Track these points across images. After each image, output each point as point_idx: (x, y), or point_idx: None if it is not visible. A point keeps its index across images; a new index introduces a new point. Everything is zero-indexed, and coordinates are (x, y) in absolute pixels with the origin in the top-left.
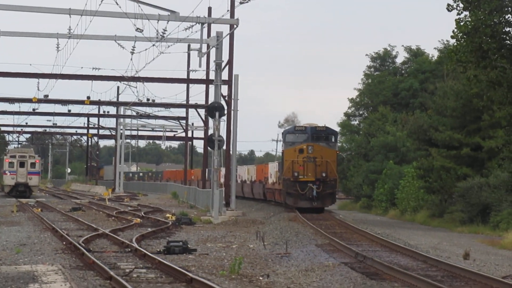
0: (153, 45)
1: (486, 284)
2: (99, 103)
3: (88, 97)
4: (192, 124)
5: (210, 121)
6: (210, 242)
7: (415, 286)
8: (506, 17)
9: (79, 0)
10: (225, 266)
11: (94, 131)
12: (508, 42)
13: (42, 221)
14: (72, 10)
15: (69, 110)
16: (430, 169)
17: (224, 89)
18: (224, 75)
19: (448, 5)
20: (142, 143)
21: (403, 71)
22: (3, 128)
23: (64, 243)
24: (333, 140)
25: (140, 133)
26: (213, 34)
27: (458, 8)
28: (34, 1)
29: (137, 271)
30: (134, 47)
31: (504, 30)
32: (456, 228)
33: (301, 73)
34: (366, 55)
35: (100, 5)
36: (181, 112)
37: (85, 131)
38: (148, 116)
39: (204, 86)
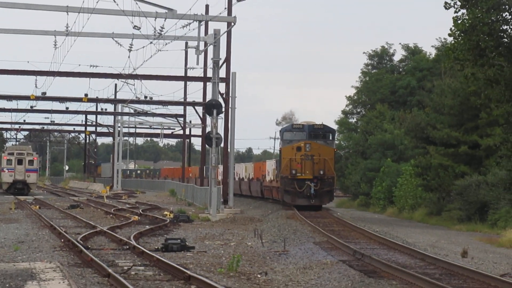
0: (151, 42)
1: (484, 282)
2: (96, 100)
3: (86, 95)
4: (190, 121)
5: (208, 118)
6: (208, 239)
7: (413, 284)
8: (504, 15)
9: None
10: (223, 263)
11: (92, 129)
12: (506, 40)
13: (40, 218)
14: (69, 7)
15: (67, 108)
16: (428, 167)
17: (222, 87)
18: (222, 73)
19: (446, 3)
20: (140, 141)
21: (400, 69)
22: (0, 126)
23: (62, 240)
24: (330, 138)
25: (138, 130)
26: (210, 31)
27: (456, 6)
28: None
29: (135, 268)
30: (131, 44)
31: (501, 28)
32: (454, 226)
33: (299, 70)
34: (364, 53)
35: (97, 2)
36: (178, 109)
37: (83, 128)
38: (146, 114)
39: (201, 83)
